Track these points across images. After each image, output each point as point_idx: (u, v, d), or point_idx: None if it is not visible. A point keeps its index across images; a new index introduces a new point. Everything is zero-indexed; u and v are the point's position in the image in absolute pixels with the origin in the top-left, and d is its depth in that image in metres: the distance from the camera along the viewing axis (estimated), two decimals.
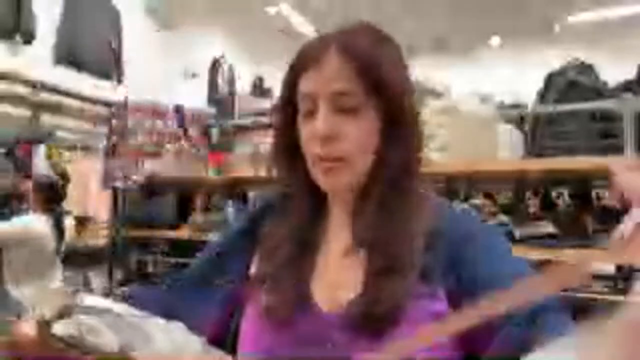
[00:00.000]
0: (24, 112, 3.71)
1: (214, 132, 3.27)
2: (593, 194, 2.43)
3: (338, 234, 0.67)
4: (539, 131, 2.16)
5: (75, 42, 4.29)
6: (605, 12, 6.00)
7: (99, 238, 3.78)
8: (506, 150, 1.90)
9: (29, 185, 3.06)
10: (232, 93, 6.32)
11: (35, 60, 3.91)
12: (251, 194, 3.20)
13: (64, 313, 0.55)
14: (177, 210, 3.08)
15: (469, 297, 0.54)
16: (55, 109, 3.94)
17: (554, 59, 2.57)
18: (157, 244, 3.30)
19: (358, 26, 0.65)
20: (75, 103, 4.06)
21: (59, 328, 0.54)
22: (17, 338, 0.57)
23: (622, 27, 6.03)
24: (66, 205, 3.24)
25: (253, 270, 0.69)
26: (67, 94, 3.97)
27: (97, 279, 3.68)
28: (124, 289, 3.08)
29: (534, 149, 2.14)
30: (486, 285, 0.54)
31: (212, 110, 4.42)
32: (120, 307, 0.59)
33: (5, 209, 3.18)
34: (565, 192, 2.17)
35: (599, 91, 2.08)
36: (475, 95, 2.23)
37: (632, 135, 1.75)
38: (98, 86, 4.36)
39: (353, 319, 0.57)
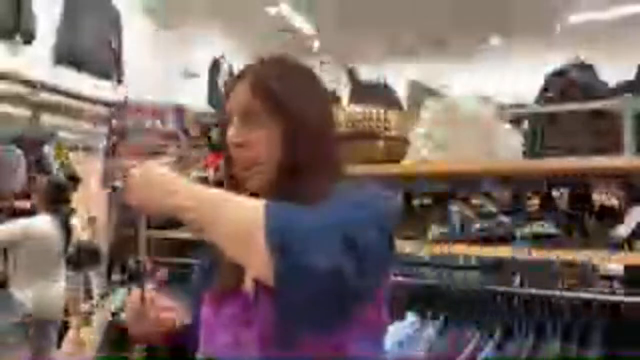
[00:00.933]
0: (24, 112, 3.72)
1: (214, 132, 3.27)
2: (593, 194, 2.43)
3: None
4: (538, 131, 2.16)
5: (75, 42, 4.28)
6: (605, 12, 5.99)
7: (99, 238, 3.78)
8: (506, 150, 1.90)
9: (38, 184, 3.08)
10: None
11: (35, 60, 3.91)
12: None
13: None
14: None
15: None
16: (55, 109, 3.94)
17: (554, 59, 2.57)
18: (157, 244, 3.30)
19: (270, 59, 0.84)
20: (75, 103, 4.06)
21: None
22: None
23: (622, 27, 6.03)
24: (72, 205, 3.26)
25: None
26: (67, 94, 3.97)
27: (97, 279, 3.68)
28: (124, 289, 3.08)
29: (533, 149, 2.14)
30: None
31: (212, 110, 4.42)
32: None
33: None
34: (565, 192, 2.17)
35: (599, 91, 2.08)
36: (475, 95, 2.22)
37: (632, 135, 1.75)
38: (98, 86, 4.35)
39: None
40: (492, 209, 1.83)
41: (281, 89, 0.78)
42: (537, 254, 1.61)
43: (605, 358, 1.48)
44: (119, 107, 3.24)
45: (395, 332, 1.69)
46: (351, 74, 5.14)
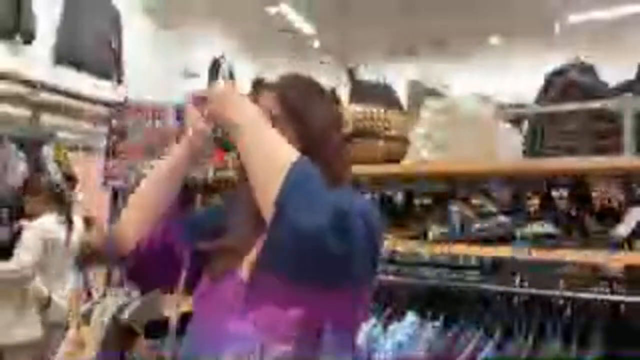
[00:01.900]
0: (24, 112, 3.72)
1: (218, 131, 3.25)
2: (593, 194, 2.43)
3: None
4: (538, 131, 2.16)
5: (75, 42, 4.29)
6: (605, 12, 5.99)
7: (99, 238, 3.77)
8: (506, 150, 1.90)
9: (38, 185, 3.07)
10: None
11: (35, 60, 3.91)
12: None
13: None
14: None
15: None
16: (55, 109, 3.94)
17: (554, 59, 2.56)
18: None
19: (291, 76, 1.02)
20: (75, 103, 4.06)
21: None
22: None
23: (622, 27, 6.03)
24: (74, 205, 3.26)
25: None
26: (67, 93, 3.97)
27: (96, 279, 3.68)
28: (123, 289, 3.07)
29: (533, 149, 2.14)
30: None
31: None
32: None
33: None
34: (565, 192, 2.17)
35: (599, 91, 2.08)
36: (475, 95, 2.22)
37: (632, 135, 1.75)
38: (98, 86, 4.36)
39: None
40: (492, 209, 1.83)
41: (300, 101, 0.96)
42: (537, 254, 1.60)
43: (605, 358, 1.48)
44: (119, 107, 3.23)
45: (395, 332, 1.69)
46: (351, 74, 5.14)
